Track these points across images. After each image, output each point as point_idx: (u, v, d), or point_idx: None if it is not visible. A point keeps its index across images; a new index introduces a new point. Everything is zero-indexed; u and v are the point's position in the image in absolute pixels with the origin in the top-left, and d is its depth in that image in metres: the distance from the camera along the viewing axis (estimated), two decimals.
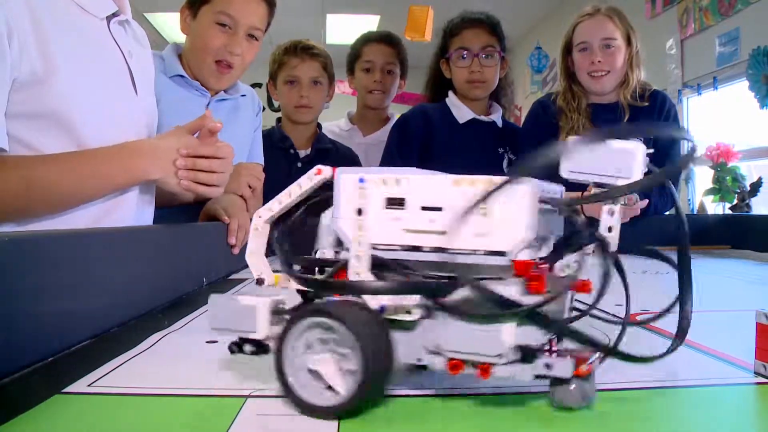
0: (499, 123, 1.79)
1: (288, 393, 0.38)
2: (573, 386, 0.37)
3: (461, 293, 0.36)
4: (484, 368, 0.36)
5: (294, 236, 0.44)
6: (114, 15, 0.97)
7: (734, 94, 3.12)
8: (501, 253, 0.36)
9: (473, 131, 1.74)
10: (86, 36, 0.91)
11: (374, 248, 0.40)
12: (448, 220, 0.37)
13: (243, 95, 1.45)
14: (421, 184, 0.39)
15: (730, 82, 3.14)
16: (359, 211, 0.39)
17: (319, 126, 1.84)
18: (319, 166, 0.42)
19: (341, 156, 1.76)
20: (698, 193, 2.82)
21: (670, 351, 0.40)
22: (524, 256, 0.36)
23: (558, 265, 0.40)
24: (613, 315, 0.47)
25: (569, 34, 1.67)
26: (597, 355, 0.38)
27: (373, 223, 0.39)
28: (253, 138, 1.50)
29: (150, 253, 0.77)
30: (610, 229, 0.41)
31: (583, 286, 0.40)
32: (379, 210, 0.39)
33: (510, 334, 0.35)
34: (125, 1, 1.01)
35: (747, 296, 0.90)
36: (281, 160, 1.71)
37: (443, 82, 1.80)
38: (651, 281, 1.00)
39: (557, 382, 0.37)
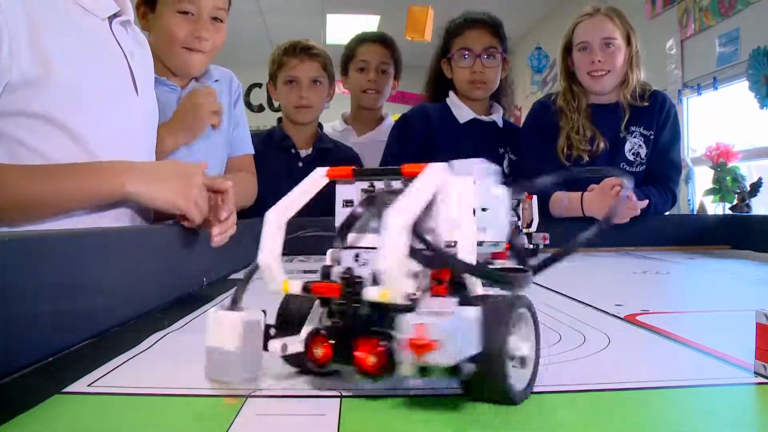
0: (500, 123, 1.79)
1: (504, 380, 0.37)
2: None
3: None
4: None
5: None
6: (116, 15, 0.97)
7: (734, 94, 3.12)
8: None
9: (474, 131, 1.74)
10: (87, 36, 0.92)
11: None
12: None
13: (216, 80, 1.41)
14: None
15: (730, 82, 3.14)
16: (474, 211, 0.41)
17: (320, 126, 1.85)
18: (322, 168, 0.41)
19: (342, 156, 1.76)
20: (698, 193, 2.83)
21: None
22: None
23: None
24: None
25: (569, 34, 1.67)
26: None
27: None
28: (236, 123, 1.45)
29: (150, 253, 0.77)
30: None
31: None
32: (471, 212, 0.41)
33: None
34: (127, 2, 1.01)
35: (747, 296, 0.90)
36: (282, 160, 1.71)
37: (444, 81, 1.80)
38: (651, 281, 1.00)
39: None
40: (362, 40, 1.99)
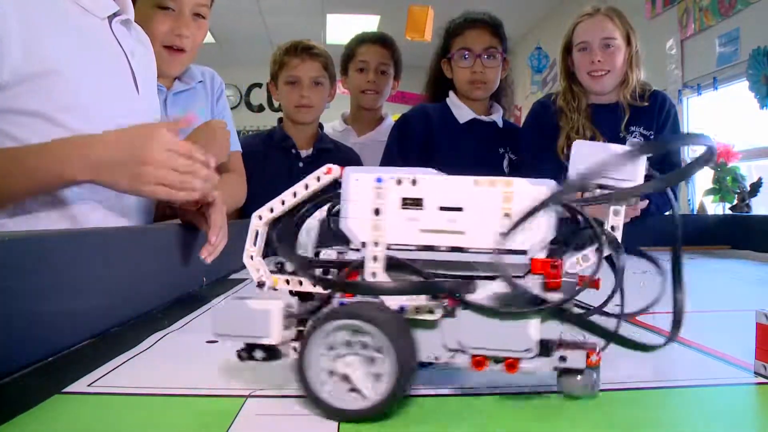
0: (500, 123, 1.79)
1: (312, 397, 0.37)
2: (580, 377, 0.38)
3: (487, 291, 0.37)
4: (511, 363, 0.37)
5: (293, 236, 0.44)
6: (116, 15, 0.97)
7: (734, 94, 3.12)
8: (521, 252, 0.38)
9: (474, 131, 1.74)
10: (87, 35, 0.92)
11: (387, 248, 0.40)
12: (473, 221, 0.38)
13: (200, 81, 1.39)
14: (439, 184, 0.39)
15: (730, 82, 3.14)
16: (376, 211, 0.39)
17: (320, 126, 1.85)
18: (329, 165, 0.42)
19: (343, 156, 1.76)
20: (698, 193, 2.82)
21: (669, 341, 0.40)
22: (541, 255, 0.38)
23: (567, 263, 0.41)
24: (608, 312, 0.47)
25: (569, 34, 1.67)
26: (603, 345, 0.39)
27: (389, 224, 0.39)
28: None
29: (150, 253, 0.77)
30: (613, 229, 0.43)
31: (593, 283, 0.41)
32: (395, 210, 0.39)
33: (536, 329, 0.37)
34: (128, 1, 1.01)
35: (747, 296, 0.90)
36: (282, 160, 1.71)
37: (444, 82, 1.80)
38: (651, 281, 0.99)
39: (567, 372, 0.39)
40: (362, 40, 1.98)
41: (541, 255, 0.38)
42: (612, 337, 0.38)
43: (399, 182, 0.39)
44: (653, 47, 3.25)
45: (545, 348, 0.37)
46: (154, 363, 0.50)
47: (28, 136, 0.84)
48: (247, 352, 0.41)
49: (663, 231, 1.73)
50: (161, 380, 0.45)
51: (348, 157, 1.77)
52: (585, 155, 0.43)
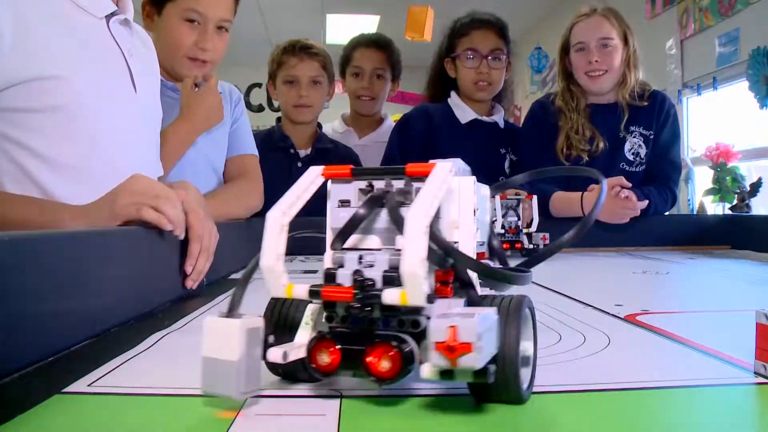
0: (501, 123, 1.79)
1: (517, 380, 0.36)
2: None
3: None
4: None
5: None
6: (113, 14, 0.98)
7: (734, 94, 3.12)
8: None
9: (475, 132, 1.74)
10: (83, 34, 0.92)
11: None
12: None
13: (219, 92, 1.41)
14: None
15: (730, 82, 3.14)
16: (474, 212, 0.41)
17: (319, 126, 1.85)
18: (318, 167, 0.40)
19: (342, 156, 1.77)
20: (698, 193, 2.83)
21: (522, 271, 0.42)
22: None
23: None
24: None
25: (566, 34, 1.67)
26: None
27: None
28: (235, 130, 1.46)
29: (150, 253, 0.77)
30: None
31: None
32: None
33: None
34: (128, 1, 1.01)
35: (747, 296, 0.90)
36: (281, 160, 1.71)
37: (445, 82, 1.80)
38: (651, 281, 1.00)
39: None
40: (357, 44, 1.98)
41: None
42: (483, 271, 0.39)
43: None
44: (653, 47, 3.26)
45: None
46: (154, 363, 0.50)
47: (28, 136, 0.85)
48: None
49: (663, 231, 1.73)
50: (161, 380, 0.45)
51: (347, 157, 1.77)
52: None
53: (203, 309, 0.74)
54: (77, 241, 0.59)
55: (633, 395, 0.41)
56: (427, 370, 0.34)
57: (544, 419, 0.37)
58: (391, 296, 0.35)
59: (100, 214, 0.77)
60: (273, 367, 0.41)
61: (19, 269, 0.48)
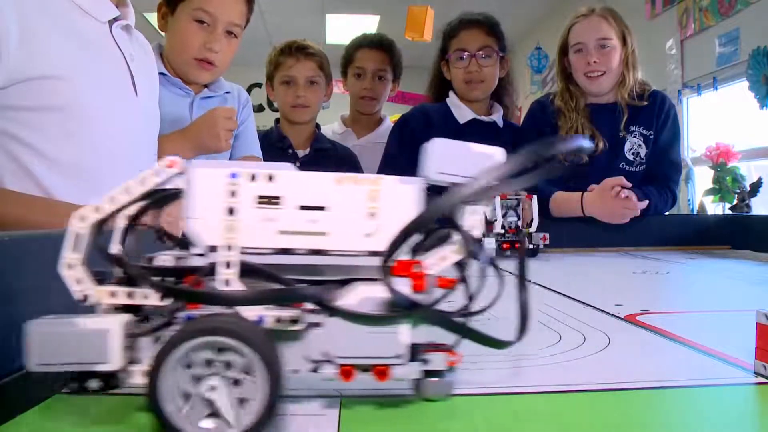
0: (500, 123, 1.79)
1: (168, 426, 0.31)
2: (438, 379, 0.37)
3: (354, 296, 0.35)
4: (382, 370, 0.36)
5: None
6: (116, 20, 0.98)
7: (734, 94, 3.12)
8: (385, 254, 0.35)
9: (474, 131, 1.74)
10: (87, 37, 0.92)
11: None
12: (334, 220, 0.36)
13: (228, 92, 1.45)
14: (298, 181, 0.36)
15: (730, 82, 3.14)
16: (230, 211, 0.35)
17: (317, 126, 1.85)
18: (171, 158, 0.35)
19: (340, 156, 1.77)
20: (698, 193, 2.83)
21: (518, 340, 0.38)
22: (405, 256, 0.36)
23: (426, 263, 0.37)
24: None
25: (564, 35, 1.67)
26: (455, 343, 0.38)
27: (244, 225, 0.35)
28: (242, 132, 1.47)
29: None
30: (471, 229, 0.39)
31: (448, 283, 0.38)
32: (250, 209, 0.35)
33: (407, 334, 0.35)
34: (129, 8, 1.02)
35: (747, 296, 0.90)
36: (279, 161, 1.71)
37: (445, 83, 1.80)
38: (651, 282, 1.00)
39: (427, 375, 0.37)
40: (360, 45, 1.98)
41: (405, 256, 0.36)
42: (479, 338, 0.37)
43: (253, 178, 0.36)
44: (653, 47, 3.26)
45: (415, 353, 0.36)
46: None
47: (30, 135, 0.85)
48: (79, 381, 0.34)
49: (662, 231, 1.73)
50: None
51: (345, 157, 1.77)
52: (441, 154, 0.40)
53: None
54: None
55: (633, 395, 0.41)
56: None
57: (544, 419, 0.37)
58: None
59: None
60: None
61: (19, 269, 0.48)
